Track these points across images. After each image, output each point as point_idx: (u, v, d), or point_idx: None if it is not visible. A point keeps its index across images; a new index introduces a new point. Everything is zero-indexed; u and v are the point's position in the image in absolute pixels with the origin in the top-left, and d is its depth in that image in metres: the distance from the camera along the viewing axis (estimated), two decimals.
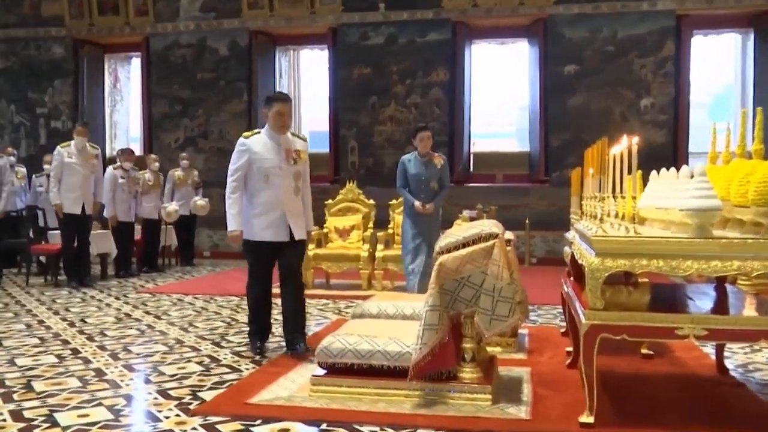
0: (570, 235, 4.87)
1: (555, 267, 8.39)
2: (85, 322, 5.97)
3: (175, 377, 4.11)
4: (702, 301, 3.57)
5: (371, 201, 8.28)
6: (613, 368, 4.11)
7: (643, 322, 3.01)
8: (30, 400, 3.64)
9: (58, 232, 8.31)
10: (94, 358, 4.61)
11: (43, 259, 9.10)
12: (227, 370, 4.28)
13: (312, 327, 4.64)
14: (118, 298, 7.32)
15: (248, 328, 4.89)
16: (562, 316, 5.29)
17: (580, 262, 3.52)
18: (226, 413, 3.39)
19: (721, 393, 3.82)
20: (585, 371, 3.10)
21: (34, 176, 10.18)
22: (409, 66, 10.93)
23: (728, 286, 3.91)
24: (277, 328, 4.86)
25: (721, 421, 3.31)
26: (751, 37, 10.38)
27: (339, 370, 3.60)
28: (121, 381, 4.04)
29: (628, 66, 10.31)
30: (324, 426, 3.22)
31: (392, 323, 4.02)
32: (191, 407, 3.50)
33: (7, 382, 3.98)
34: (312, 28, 11.48)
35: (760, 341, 2.99)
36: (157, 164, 10.00)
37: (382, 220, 8.35)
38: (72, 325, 5.83)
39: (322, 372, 3.66)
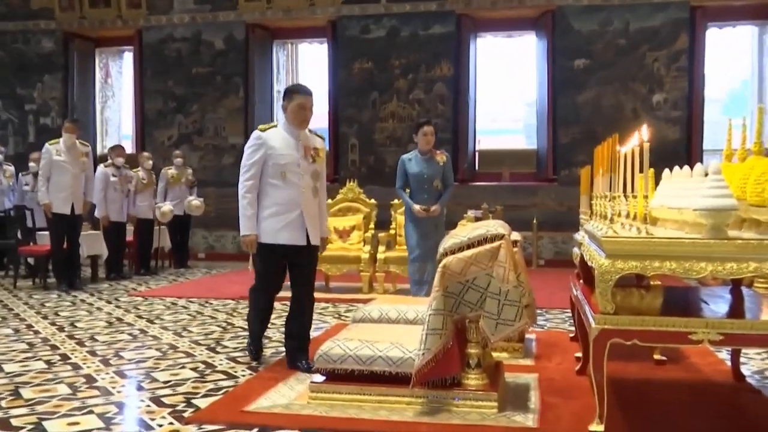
0: (579, 235, 4.87)
1: (563, 269, 8.38)
2: (75, 326, 5.97)
3: (168, 384, 4.10)
4: (717, 304, 3.56)
5: (372, 201, 8.29)
6: (624, 375, 4.11)
7: (656, 327, 3.01)
8: (18, 407, 3.64)
9: (47, 232, 8.32)
10: (85, 363, 4.61)
11: (31, 260, 9.11)
12: (223, 376, 4.28)
13: (311, 332, 4.63)
14: (109, 302, 7.32)
15: (248, 335, 4.76)
16: (571, 321, 5.29)
17: (589, 264, 3.52)
18: (221, 421, 3.38)
19: (737, 400, 3.81)
20: (595, 378, 3.09)
21: (20, 175, 10.22)
22: (412, 60, 10.94)
23: (744, 289, 3.90)
24: (274, 333, 4.86)
25: (738, 429, 3.30)
26: None
27: (339, 376, 3.59)
28: (113, 388, 4.04)
29: (640, 60, 10.31)
30: None
31: (394, 328, 4.02)
32: (185, 415, 3.49)
33: None
34: (311, 21, 11.49)
35: None
36: (150, 162, 10.02)
37: (384, 220, 8.36)
38: (61, 329, 5.83)
39: (321, 378, 3.66)
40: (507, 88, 13.20)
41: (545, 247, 10.54)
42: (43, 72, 12.30)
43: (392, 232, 8.04)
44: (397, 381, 3.50)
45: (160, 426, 3.35)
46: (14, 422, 3.40)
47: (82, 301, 7.41)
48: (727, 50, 11.29)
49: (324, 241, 4.68)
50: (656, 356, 4.46)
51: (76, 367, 4.52)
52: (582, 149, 9.81)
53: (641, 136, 3.22)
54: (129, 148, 12.03)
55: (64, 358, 4.78)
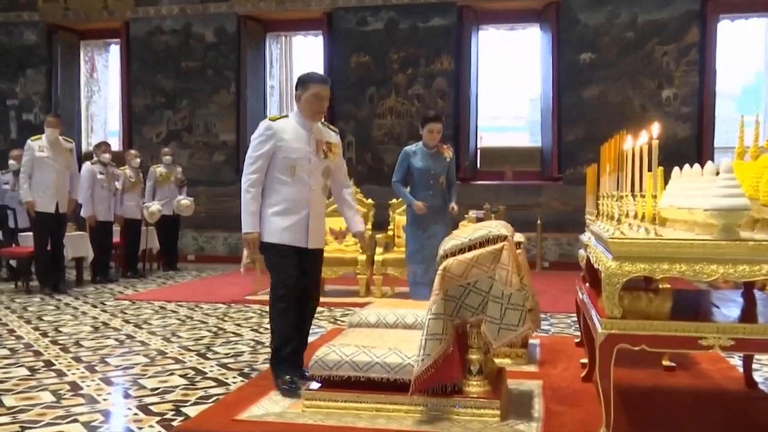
0: (585, 237, 4.87)
1: (569, 272, 8.38)
2: (60, 331, 5.97)
3: (156, 391, 4.10)
4: (728, 308, 3.57)
5: (370, 201, 8.28)
6: (631, 381, 4.12)
7: (665, 332, 3.01)
8: None
9: (30, 233, 8.31)
10: (69, 370, 4.61)
11: (13, 263, 9.10)
12: (213, 383, 4.28)
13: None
14: (95, 306, 7.32)
15: (272, 357, 4.20)
16: (577, 325, 5.29)
17: (596, 266, 3.52)
18: (211, 430, 3.39)
19: (749, 408, 3.82)
20: (601, 384, 3.10)
21: (0, 173, 10.20)
22: (411, 54, 10.95)
23: (757, 293, 3.91)
24: (267, 338, 4.83)
25: None
26: None
27: (335, 383, 3.59)
28: (98, 395, 4.04)
29: (648, 54, 10.32)
30: None
31: (392, 333, 4.02)
32: (174, 423, 3.50)
33: None
34: (305, 13, 11.50)
35: None
36: (137, 160, 10.01)
37: (382, 221, 8.36)
38: (45, 335, 5.83)
39: (316, 385, 3.66)
40: (510, 83, 13.22)
41: (550, 248, 10.55)
42: (26, 66, 12.29)
43: (390, 233, 8.04)
44: (395, 388, 3.49)
45: None
46: None
47: (67, 305, 7.40)
48: (739, 43, 11.32)
49: (362, 234, 4.53)
50: (665, 362, 4.47)
51: (60, 373, 4.52)
52: (588, 147, 9.81)
53: (650, 133, 3.23)
54: (116, 145, 12.04)
55: (48, 364, 4.78)
